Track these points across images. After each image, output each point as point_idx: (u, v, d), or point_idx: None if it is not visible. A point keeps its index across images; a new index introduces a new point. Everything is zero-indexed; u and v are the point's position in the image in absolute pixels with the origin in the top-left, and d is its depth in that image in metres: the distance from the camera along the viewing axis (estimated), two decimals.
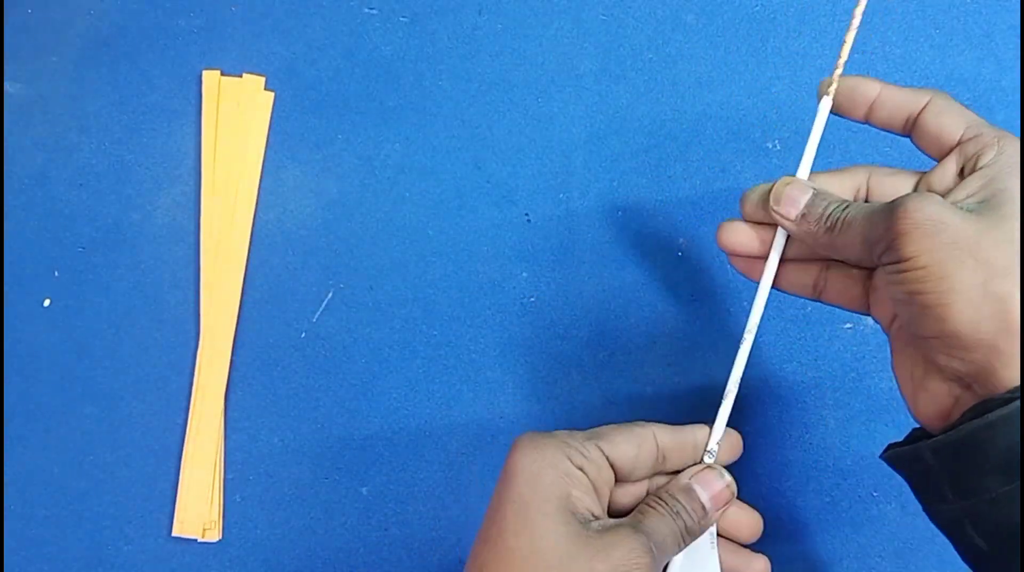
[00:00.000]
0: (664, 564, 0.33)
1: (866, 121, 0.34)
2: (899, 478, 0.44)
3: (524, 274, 0.48)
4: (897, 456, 0.31)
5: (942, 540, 0.44)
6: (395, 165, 0.49)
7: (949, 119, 0.32)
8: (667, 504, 0.33)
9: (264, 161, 0.49)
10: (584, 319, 0.47)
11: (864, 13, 0.35)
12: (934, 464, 0.29)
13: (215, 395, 0.47)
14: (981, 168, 0.30)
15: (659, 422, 0.35)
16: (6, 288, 0.49)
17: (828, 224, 0.32)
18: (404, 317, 0.48)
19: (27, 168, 0.50)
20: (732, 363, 0.36)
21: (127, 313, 0.48)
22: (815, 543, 0.44)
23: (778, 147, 0.48)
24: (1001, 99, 0.47)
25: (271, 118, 0.50)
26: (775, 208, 0.34)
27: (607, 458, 0.33)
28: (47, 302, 0.49)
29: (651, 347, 0.46)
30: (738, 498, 0.36)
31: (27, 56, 0.50)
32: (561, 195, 0.48)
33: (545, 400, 0.46)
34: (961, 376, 0.28)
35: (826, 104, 0.35)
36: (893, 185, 0.34)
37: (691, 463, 0.35)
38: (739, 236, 0.36)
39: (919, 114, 0.33)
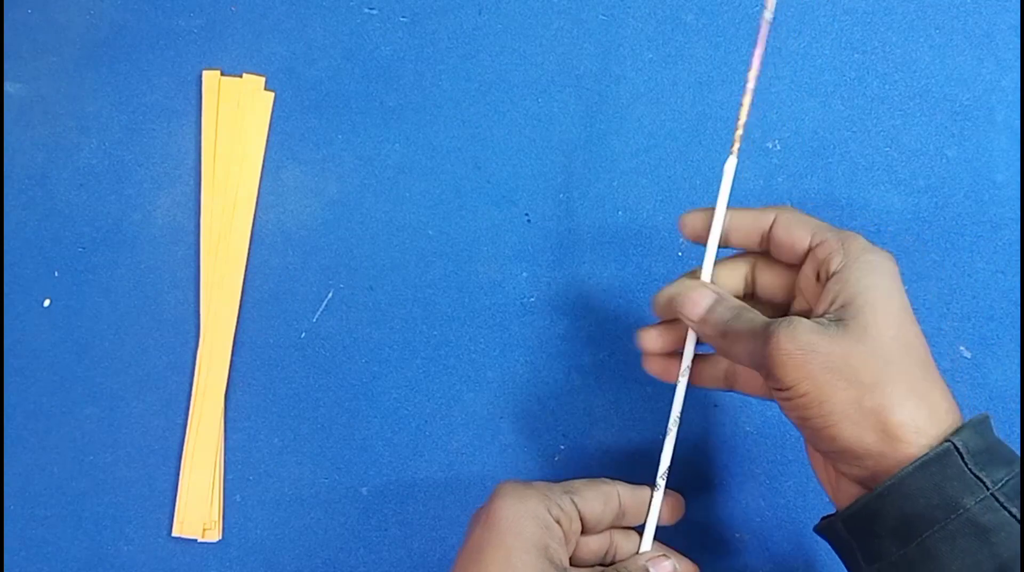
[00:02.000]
0: None
1: (727, 246, 0.37)
2: None
3: (524, 274, 0.48)
4: (821, 529, 0.34)
5: None
6: (395, 165, 0.49)
7: (797, 230, 0.34)
8: None
9: (264, 161, 0.49)
10: (584, 319, 0.47)
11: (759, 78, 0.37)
12: (845, 535, 0.32)
13: (215, 395, 0.47)
14: (833, 274, 0.32)
15: (621, 481, 0.38)
16: (6, 288, 0.49)
17: (722, 330, 0.34)
18: (404, 317, 0.48)
19: (27, 168, 0.50)
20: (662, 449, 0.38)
21: (127, 313, 0.48)
22: (815, 543, 0.44)
23: (778, 147, 0.48)
24: (1001, 99, 0.47)
25: (271, 118, 0.50)
26: (679, 310, 0.36)
27: (579, 511, 0.35)
28: (47, 302, 0.49)
29: None
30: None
31: (27, 56, 0.50)
32: (561, 195, 0.48)
33: (545, 400, 0.46)
34: (862, 479, 0.31)
35: (730, 168, 0.37)
36: (772, 280, 0.37)
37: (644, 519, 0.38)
38: (653, 342, 0.38)
39: (770, 231, 0.35)
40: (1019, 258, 0.46)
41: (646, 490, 0.38)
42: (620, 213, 0.48)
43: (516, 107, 0.49)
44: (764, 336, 0.31)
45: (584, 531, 0.36)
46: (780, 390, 0.31)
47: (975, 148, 0.47)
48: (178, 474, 0.47)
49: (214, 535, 0.46)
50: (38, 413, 0.48)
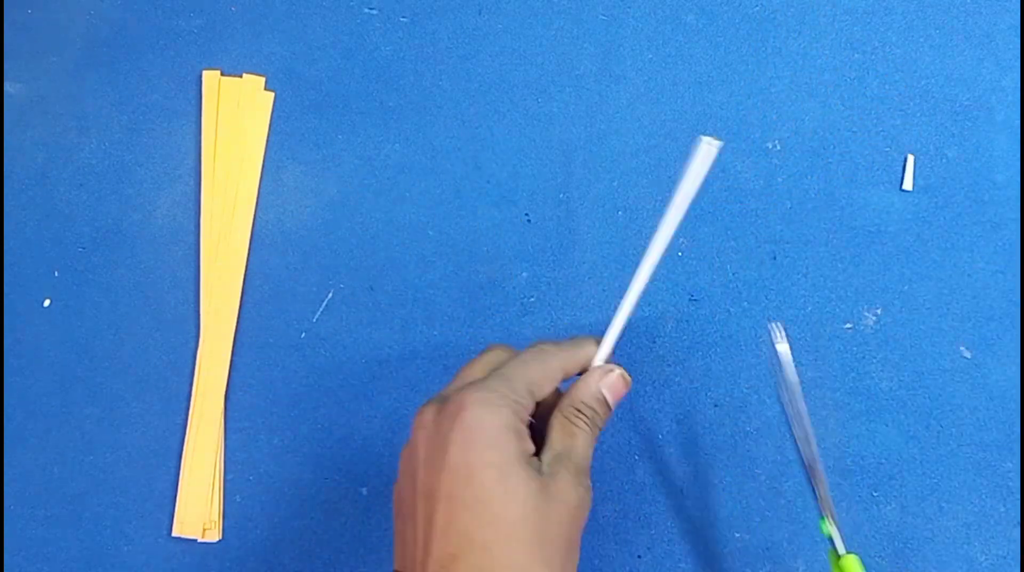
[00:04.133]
0: None
1: None
2: (899, 478, 0.45)
3: (524, 274, 0.48)
4: None
5: (942, 540, 0.44)
6: (395, 165, 0.49)
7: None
8: (587, 417, 0.34)
9: (264, 161, 0.49)
10: (584, 319, 0.47)
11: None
12: None
13: (215, 395, 0.47)
14: None
15: (547, 340, 0.36)
16: (6, 288, 0.49)
17: None
18: (404, 317, 0.48)
19: (27, 168, 0.50)
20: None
21: (127, 313, 0.48)
22: (815, 543, 0.44)
23: (778, 147, 0.48)
24: (1001, 99, 0.47)
25: (271, 118, 0.50)
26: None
27: (532, 395, 0.34)
28: (47, 302, 0.49)
29: (651, 347, 0.46)
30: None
31: (27, 56, 0.50)
32: (561, 195, 0.48)
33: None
34: None
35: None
36: None
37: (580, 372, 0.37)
38: None
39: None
40: (1019, 258, 0.46)
41: (577, 343, 0.36)
42: (620, 213, 0.48)
43: (516, 107, 0.49)
44: None
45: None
46: None
47: (975, 148, 0.47)
48: (178, 474, 0.47)
49: (214, 535, 0.46)
50: (38, 413, 0.48)
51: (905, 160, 0.47)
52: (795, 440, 0.37)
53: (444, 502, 0.31)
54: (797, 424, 0.37)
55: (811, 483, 0.37)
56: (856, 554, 0.35)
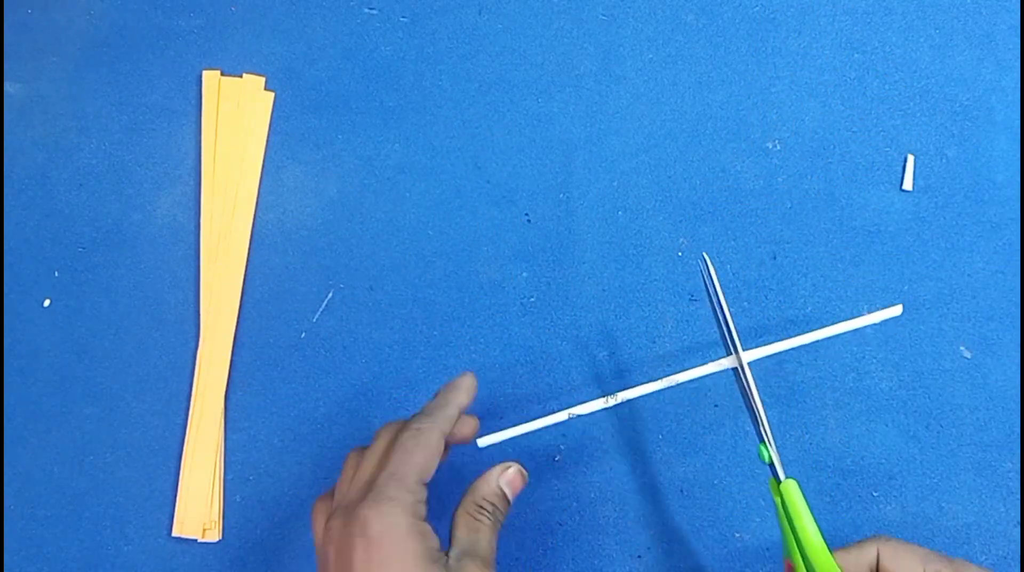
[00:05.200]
0: None
1: None
2: (899, 478, 0.45)
3: (524, 274, 0.48)
4: None
5: (942, 541, 0.44)
6: (395, 165, 0.49)
7: (906, 562, 0.35)
8: (488, 513, 0.36)
9: (264, 161, 0.49)
10: (584, 319, 0.47)
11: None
12: None
13: (215, 395, 0.47)
14: None
15: (417, 419, 0.37)
16: (6, 288, 0.49)
17: None
18: (404, 317, 0.48)
19: (27, 168, 0.50)
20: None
21: (127, 313, 0.48)
22: None
23: (778, 147, 0.48)
24: (1001, 99, 0.47)
25: (271, 118, 0.50)
26: None
27: (423, 483, 0.35)
28: (47, 302, 0.49)
29: (651, 347, 0.46)
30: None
31: (27, 56, 0.50)
32: (561, 195, 0.48)
33: (545, 400, 0.46)
34: None
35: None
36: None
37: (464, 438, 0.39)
38: None
39: (878, 565, 0.35)
40: (1019, 258, 0.46)
41: (452, 398, 0.38)
42: (620, 213, 0.48)
43: (516, 107, 0.49)
44: None
45: None
46: None
47: (975, 148, 0.47)
48: (178, 474, 0.47)
49: (214, 535, 0.46)
50: (38, 413, 0.48)
51: (905, 160, 0.47)
52: (736, 373, 0.38)
53: None
54: (732, 345, 0.38)
55: (749, 408, 0.37)
56: (796, 479, 0.35)
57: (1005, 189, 0.46)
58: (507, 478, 0.37)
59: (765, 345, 0.38)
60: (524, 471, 0.38)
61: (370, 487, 0.34)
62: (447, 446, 0.37)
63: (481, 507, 0.36)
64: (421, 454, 0.35)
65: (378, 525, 0.33)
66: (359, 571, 0.32)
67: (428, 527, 0.34)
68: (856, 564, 0.36)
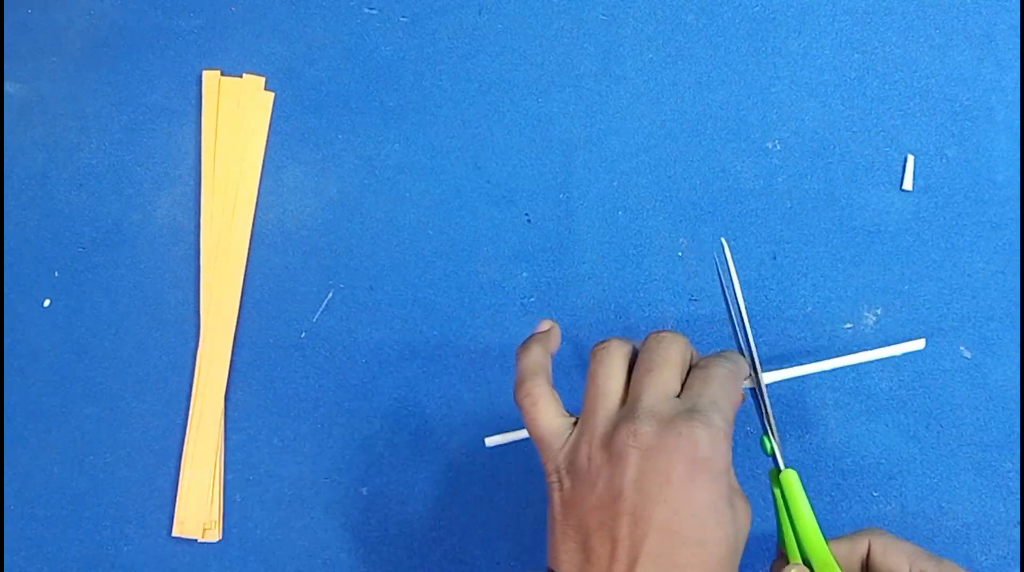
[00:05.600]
0: None
1: None
2: (899, 478, 0.45)
3: (524, 274, 0.48)
4: None
5: (942, 541, 0.44)
6: (395, 165, 0.49)
7: (894, 556, 0.36)
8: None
9: (264, 161, 0.49)
10: (584, 319, 0.47)
11: None
12: None
13: (215, 395, 0.47)
14: None
15: (731, 352, 0.37)
16: (6, 288, 0.49)
17: None
18: (404, 317, 0.48)
19: (27, 168, 0.50)
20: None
21: (127, 313, 0.48)
22: None
23: (778, 147, 0.48)
24: (1001, 99, 0.47)
25: (271, 118, 0.50)
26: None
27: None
28: (47, 302, 0.49)
29: None
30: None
31: (27, 56, 0.50)
32: (561, 195, 0.48)
33: None
34: None
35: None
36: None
37: None
38: None
39: (868, 557, 0.36)
40: (1019, 258, 0.46)
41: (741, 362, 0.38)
42: (620, 213, 0.48)
43: (516, 107, 0.49)
44: None
45: None
46: None
47: (975, 148, 0.47)
48: (178, 474, 0.47)
49: (214, 535, 0.46)
50: (38, 413, 0.48)
51: (905, 160, 0.47)
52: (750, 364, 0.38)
53: (659, 532, 0.31)
54: (742, 336, 0.38)
55: (756, 400, 0.38)
56: (795, 469, 0.35)
57: (1005, 189, 0.46)
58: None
59: (777, 369, 0.39)
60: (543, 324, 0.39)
61: (694, 408, 0.33)
62: None
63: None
64: (736, 394, 0.35)
65: (705, 449, 0.32)
66: (678, 485, 0.31)
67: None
68: (849, 554, 0.36)
